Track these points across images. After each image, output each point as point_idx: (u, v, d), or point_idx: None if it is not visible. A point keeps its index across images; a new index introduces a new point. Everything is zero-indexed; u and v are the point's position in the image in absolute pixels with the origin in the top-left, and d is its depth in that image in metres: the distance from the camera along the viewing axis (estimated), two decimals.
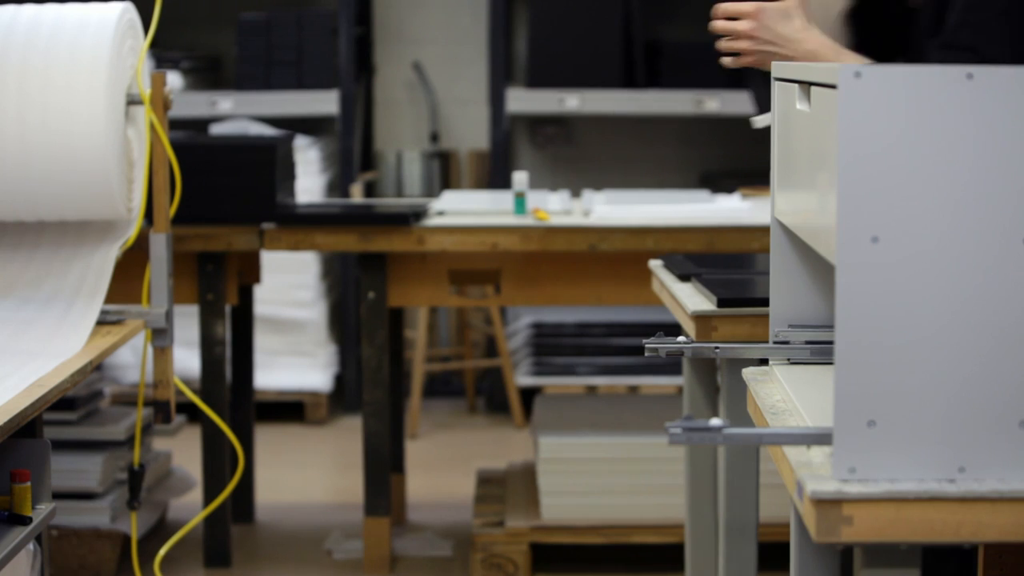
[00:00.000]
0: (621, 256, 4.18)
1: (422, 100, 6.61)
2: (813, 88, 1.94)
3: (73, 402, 4.21)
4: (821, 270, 2.20)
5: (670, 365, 5.49)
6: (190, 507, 4.74)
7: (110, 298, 3.14)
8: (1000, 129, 1.72)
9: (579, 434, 4.34)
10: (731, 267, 3.31)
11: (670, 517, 4.20)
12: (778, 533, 3.78)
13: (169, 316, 3.24)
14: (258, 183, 4.14)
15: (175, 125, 3.71)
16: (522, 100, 6.19)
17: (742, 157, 6.51)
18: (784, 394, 2.09)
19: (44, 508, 2.63)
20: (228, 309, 4.47)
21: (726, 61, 2.74)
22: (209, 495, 4.27)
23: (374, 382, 4.20)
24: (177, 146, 3.34)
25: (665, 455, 4.25)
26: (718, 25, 2.75)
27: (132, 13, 3.19)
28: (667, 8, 6.54)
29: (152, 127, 3.18)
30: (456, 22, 6.60)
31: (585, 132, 6.65)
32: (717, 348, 2.44)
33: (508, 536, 4.22)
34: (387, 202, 5.10)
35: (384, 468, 4.25)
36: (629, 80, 6.19)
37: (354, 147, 6.20)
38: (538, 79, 6.18)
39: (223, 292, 4.22)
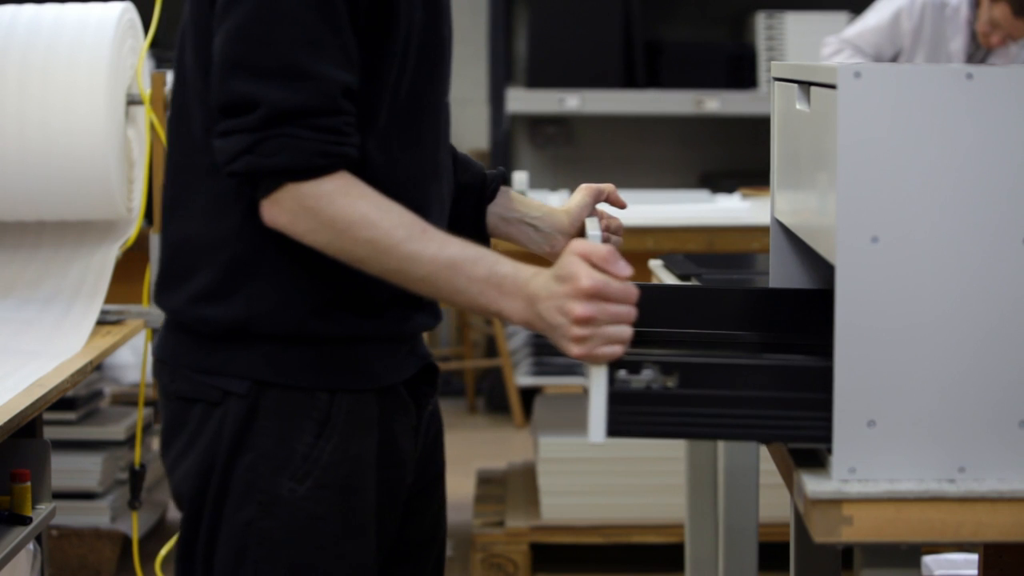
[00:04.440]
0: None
1: None
2: (813, 88, 1.94)
3: (73, 402, 4.21)
4: (821, 270, 2.20)
5: None
6: None
7: (110, 298, 3.14)
8: (999, 129, 1.71)
9: (579, 434, 4.34)
10: (731, 267, 3.31)
11: (670, 517, 4.20)
12: (778, 533, 3.78)
13: None
14: None
15: None
16: (522, 100, 6.19)
17: (742, 157, 6.51)
18: None
19: (44, 508, 2.63)
20: None
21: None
22: None
23: None
24: None
25: (665, 455, 4.25)
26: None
27: (132, 13, 3.19)
28: (667, 8, 6.54)
29: (152, 127, 3.18)
30: (456, 22, 6.57)
31: (585, 132, 6.65)
32: None
33: (508, 536, 4.22)
34: None
35: None
36: (629, 80, 6.20)
37: None
38: (538, 79, 6.18)
39: None
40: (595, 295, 1.75)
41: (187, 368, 1.94)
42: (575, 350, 1.75)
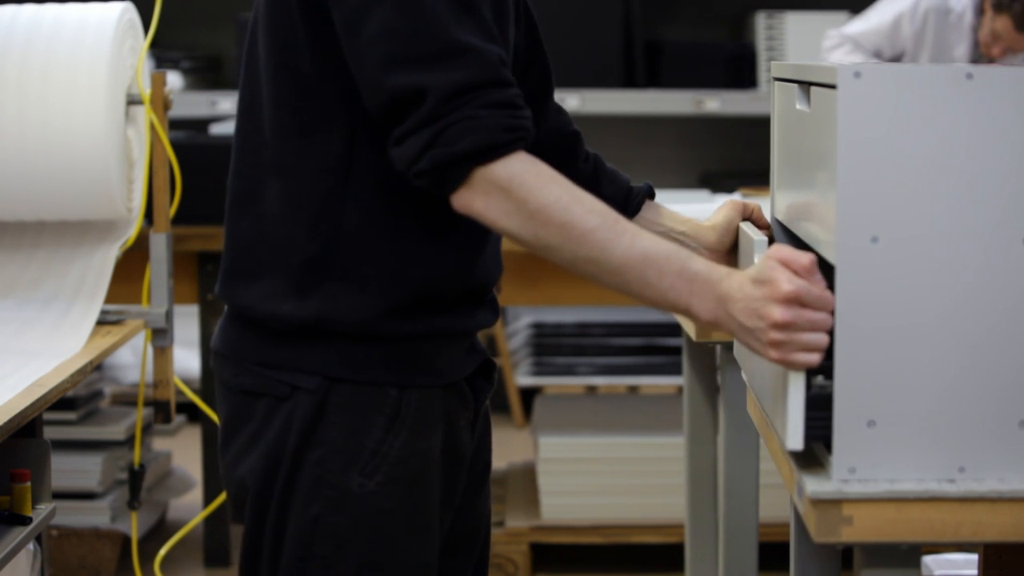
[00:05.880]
0: None
1: None
2: (813, 88, 1.94)
3: (73, 402, 4.21)
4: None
5: (670, 365, 5.49)
6: (190, 507, 4.74)
7: (110, 298, 3.13)
8: (999, 129, 1.71)
9: (579, 434, 4.34)
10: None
11: (670, 517, 4.20)
12: (778, 533, 3.78)
13: (169, 316, 3.24)
14: None
15: (175, 125, 3.70)
16: None
17: (742, 157, 6.51)
18: None
19: (44, 508, 2.62)
20: None
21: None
22: (209, 495, 4.27)
23: None
24: (177, 146, 3.34)
25: (665, 455, 4.25)
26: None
27: (132, 13, 3.19)
28: (667, 8, 6.54)
29: (152, 127, 3.18)
30: None
31: (585, 132, 6.64)
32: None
33: (508, 536, 4.22)
34: None
35: None
36: (629, 80, 6.19)
37: None
38: None
39: None
40: (795, 300, 1.73)
41: (252, 362, 1.93)
42: (772, 354, 1.73)
